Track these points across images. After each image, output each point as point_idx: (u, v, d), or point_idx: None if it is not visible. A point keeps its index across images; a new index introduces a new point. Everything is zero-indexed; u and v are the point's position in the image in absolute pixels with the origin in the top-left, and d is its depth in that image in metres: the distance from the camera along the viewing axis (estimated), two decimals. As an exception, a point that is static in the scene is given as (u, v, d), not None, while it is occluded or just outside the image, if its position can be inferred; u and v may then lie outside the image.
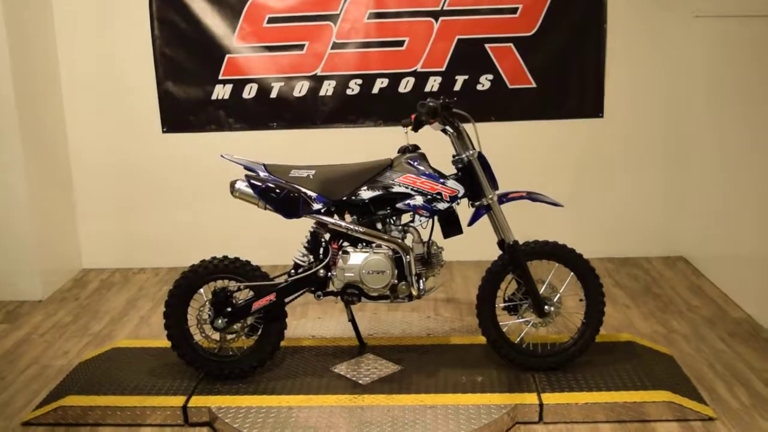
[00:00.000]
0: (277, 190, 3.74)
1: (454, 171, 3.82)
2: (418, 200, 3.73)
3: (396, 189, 3.73)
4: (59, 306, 5.26)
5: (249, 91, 5.59)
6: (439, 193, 3.72)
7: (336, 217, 3.85)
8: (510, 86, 5.49)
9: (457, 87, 5.50)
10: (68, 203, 5.85)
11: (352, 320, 4.12)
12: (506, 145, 5.56)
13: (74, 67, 5.67)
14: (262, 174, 3.81)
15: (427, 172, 3.74)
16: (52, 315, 5.10)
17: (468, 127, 3.79)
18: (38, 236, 5.37)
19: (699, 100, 5.36)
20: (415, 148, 3.85)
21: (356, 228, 3.77)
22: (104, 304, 5.27)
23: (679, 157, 5.57)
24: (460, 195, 3.75)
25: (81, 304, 5.28)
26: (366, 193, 3.76)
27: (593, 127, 5.56)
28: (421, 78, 5.50)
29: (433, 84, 5.51)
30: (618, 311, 4.79)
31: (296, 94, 5.58)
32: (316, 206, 3.76)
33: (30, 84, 5.29)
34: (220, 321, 3.81)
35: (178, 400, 3.71)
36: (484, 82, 5.49)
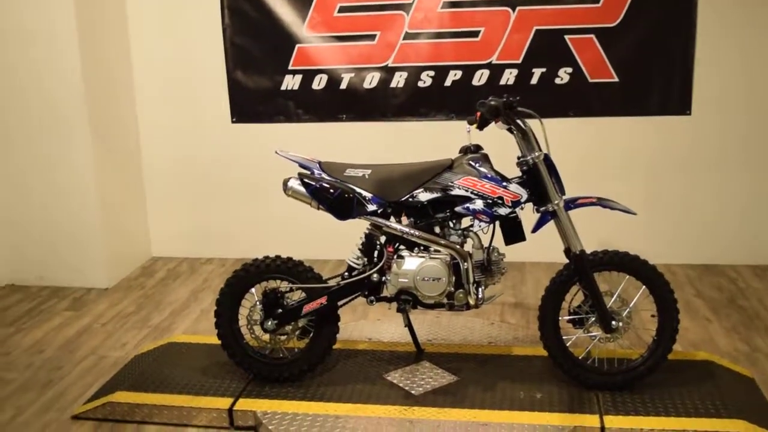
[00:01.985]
0: (331, 190, 3.59)
1: (519, 173, 3.59)
2: (478, 204, 3.52)
3: (455, 192, 3.53)
4: (124, 295, 5.27)
5: (318, 82, 5.46)
6: (501, 198, 3.49)
7: (392, 219, 3.68)
8: (590, 80, 5.19)
9: (534, 80, 5.24)
10: (139, 191, 5.86)
11: (409, 326, 3.94)
12: (585, 142, 5.30)
13: (146, 56, 5.66)
14: (316, 172, 3.67)
15: (488, 175, 3.52)
16: (116, 304, 5.11)
17: (538, 125, 3.53)
18: (107, 224, 5.40)
19: (798, 98, 4.96)
20: (477, 148, 3.63)
21: (412, 231, 3.59)
22: (168, 294, 5.25)
23: (773, 158, 5.18)
24: (523, 200, 3.52)
25: (146, 294, 5.28)
26: (423, 195, 3.57)
27: (680, 125, 5.21)
28: (496, 70, 5.26)
29: (508, 77, 5.26)
30: (698, 325, 4.46)
31: (366, 85, 5.42)
32: (371, 207, 3.59)
33: (100, 72, 5.30)
34: (269, 323, 3.69)
35: (224, 402, 3.62)
36: (563, 76, 5.20)
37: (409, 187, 3.58)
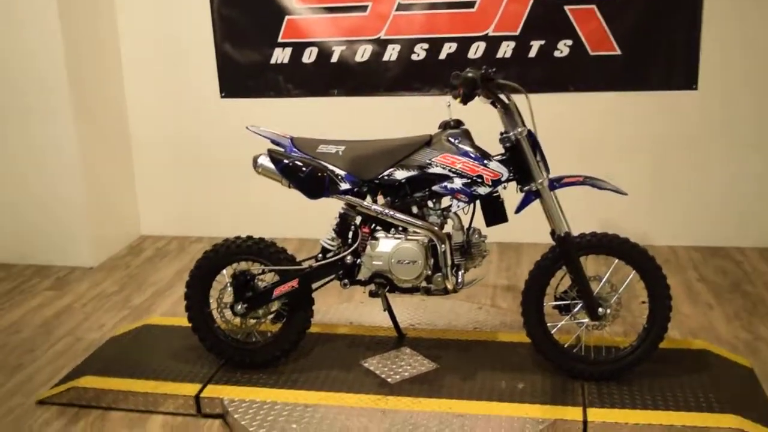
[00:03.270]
0: (303, 167, 3.41)
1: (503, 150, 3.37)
2: (457, 183, 3.31)
3: (433, 170, 3.33)
4: (108, 274, 5.14)
5: (309, 56, 5.26)
6: (480, 176, 3.29)
7: (368, 198, 3.49)
8: (591, 53, 4.94)
9: (533, 53, 5.00)
10: (127, 169, 5.71)
11: (389, 310, 3.76)
12: (586, 118, 5.07)
13: (132, 30, 5.49)
14: (288, 149, 3.48)
15: (468, 152, 3.31)
16: (99, 284, 4.98)
17: (524, 99, 3.30)
18: (93, 202, 5.25)
19: (811, 72, 4.69)
20: (458, 123, 3.41)
21: (387, 212, 3.39)
22: (153, 274, 5.11)
23: (783, 136, 4.91)
24: (503, 179, 3.30)
25: (130, 274, 5.14)
26: (400, 173, 3.37)
27: (685, 100, 4.96)
28: (493, 43, 5.03)
29: (506, 49, 5.03)
30: (698, 311, 4.24)
31: (358, 59, 5.21)
32: (344, 186, 3.40)
33: (84, 46, 5.14)
34: (239, 306, 3.53)
35: (192, 389, 3.47)
36: (563, 48, 4.96)
37: (384, 164, 3.38)
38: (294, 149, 3.47)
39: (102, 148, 5.36)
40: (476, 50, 5.05)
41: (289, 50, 5.27)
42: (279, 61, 5.31)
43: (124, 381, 3.57)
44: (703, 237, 5.16)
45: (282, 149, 3.49)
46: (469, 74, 3.14)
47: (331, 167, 3.41)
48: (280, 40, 5.26)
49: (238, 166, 5.54)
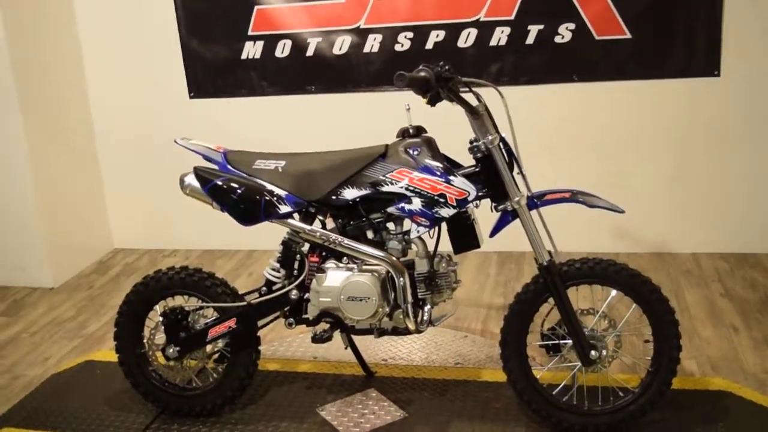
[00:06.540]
0: (235, 188, 2.89)
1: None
2: (416, 204, 2.77)
3: (387, 188, 2.79)
4: (68, 296, 4.68)
5: (282, 49, 4.73)
6: (443, 195, 2.74)
7: (318, 220, 2.96)
8: (597, 37, 4.34)
9: (530, 39, 4.41)
10: (94, 177, 5.24)
11: (352, 347, 3.24)
12: (591, 111, 4.49)
13: (92, 26, 5.00)
14: (220, 165, 2.96)
15: (428, 166, 2.76)
16: (56, 307, 4.53)
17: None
18: (53, 214, 4.81)
19: None
20: (419, 131, 2.87)
21: (333, 238, 2.87)
22: (116, 295, 4.64)
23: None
24: (470, 198, 2.75)
25: (91, 295, 4.68)
26: (350, 192, 2.84)
27: (706, 89, 4.33)
28: (486, 29, 4.45)
29: (500, 36, 4.44)
30: (720, 335, 3.65)
31: (336, 51, 4.67)
32: (284, 209, 2.88)
33: (40, 47, 4.67)
34: (171, 349, 3.03)
35: (119, 446, 3.00)
36: (564, 33, 4.36)
37: (332, 181, 2.85)
38: (227, 166, 2.95)
39: (62, 155, 4.90)
40: (467, 38, 4.48)
41: (260, 44, 4.75)
42: (250, 56, 4.79)
43: (46, 435, 3.12)
44: (731, 242, 4.54)
45: (214, 166, 2.98)
46: (421, 73, 2.57)
47: (269, 186, 2.88)
48: (250, 32, 4.74)
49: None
